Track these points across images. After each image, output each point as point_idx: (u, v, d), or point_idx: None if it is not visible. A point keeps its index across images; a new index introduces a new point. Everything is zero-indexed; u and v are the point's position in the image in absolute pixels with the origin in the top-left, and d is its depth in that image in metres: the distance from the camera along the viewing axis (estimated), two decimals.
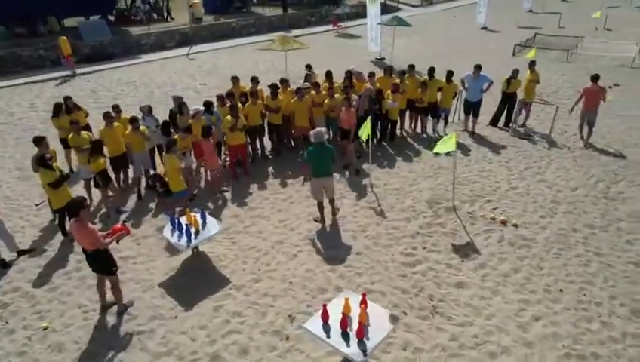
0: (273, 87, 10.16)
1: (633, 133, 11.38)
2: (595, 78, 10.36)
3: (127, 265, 7.09)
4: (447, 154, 8.74)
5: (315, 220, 8.07)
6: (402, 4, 35.71)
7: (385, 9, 33.92)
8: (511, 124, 11.69)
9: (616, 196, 8.49)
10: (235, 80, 10.88)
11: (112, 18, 24.18)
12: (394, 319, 4.98)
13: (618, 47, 20.34)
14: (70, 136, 8.50)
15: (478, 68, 10.91)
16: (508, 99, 11.55)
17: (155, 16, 24.46)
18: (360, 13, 30.86)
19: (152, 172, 9.45)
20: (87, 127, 10.24)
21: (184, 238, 6.58)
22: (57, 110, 9.68)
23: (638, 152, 10.30)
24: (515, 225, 7.64)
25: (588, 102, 10.43)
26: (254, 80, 10.73)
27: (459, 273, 6.65)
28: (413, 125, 11.62)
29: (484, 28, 27.46)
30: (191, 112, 9.38)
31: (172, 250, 7.11)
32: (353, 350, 4.56)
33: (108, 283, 6.06)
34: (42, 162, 7.27)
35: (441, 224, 7.80)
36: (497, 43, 22.86)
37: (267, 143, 10.81)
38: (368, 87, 10.38)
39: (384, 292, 6.31)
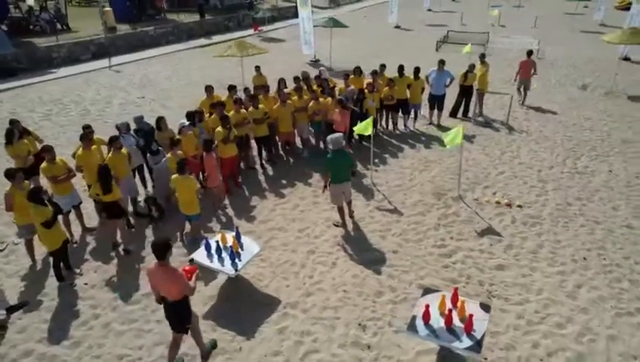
0: (253, 96, 9.75)
1: (563, 116, 12.96)
2: (529, 53, 13.35)
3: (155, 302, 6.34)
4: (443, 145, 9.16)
5: (335, 225, 7.96)
6: (314, 7, 36.27)
7: (296, 12, 34.46)
8: (470, 114, 12.63)
9: (585, 170, 9.63)
10: (209, 89, 10.22)
11: (4, 28, 21.12)
12: (486, 307, 5.13)
13: (521, 41, 22.93)
14: (44, 165, 7.32)
15: (442, 63, 11.60)
16: (465, 92, 12.43)
17: (58, 26, 21.90)
18: (277, 16, 30.89)
19: (140, 196, 8.57)
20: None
21: (228, 262, 6.08)
22: (10, 136, 8.32)
23: (579, 130, 11.77)
24: (520, 206, 8.30)
25: (523, 71, 13.22)
26: (232, 88, 10.23)
27: (493, 256, 7.05)
28: (385, 123, 11.95)
29: (398, 27, 29.11)
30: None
31: (205, 278, 6.53)
32: (468, 344, 4.62)
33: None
34: (36, 197, 6.20)
35: (455, 213, 8.18)
36: (416, 40, 24.40)
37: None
38: (350, 88, 10.48)
39: (437, 285, 6.45)
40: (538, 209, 8.22)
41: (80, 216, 7.99)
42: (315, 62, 20.22)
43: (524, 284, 6.44)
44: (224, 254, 6.19)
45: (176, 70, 18.92)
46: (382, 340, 5.61)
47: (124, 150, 7.96)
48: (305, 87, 10.55)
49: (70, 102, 14.87)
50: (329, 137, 7.52)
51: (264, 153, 10.31)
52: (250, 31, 27.28)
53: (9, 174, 6.69)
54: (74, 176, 7.71)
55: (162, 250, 4.62)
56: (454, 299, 5.09)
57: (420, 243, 7.40)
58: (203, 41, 24.53)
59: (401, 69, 11.33)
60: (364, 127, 8.65)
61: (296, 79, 10.90)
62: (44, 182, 8.42)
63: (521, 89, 13.59)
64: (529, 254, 7.07)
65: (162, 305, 5.00)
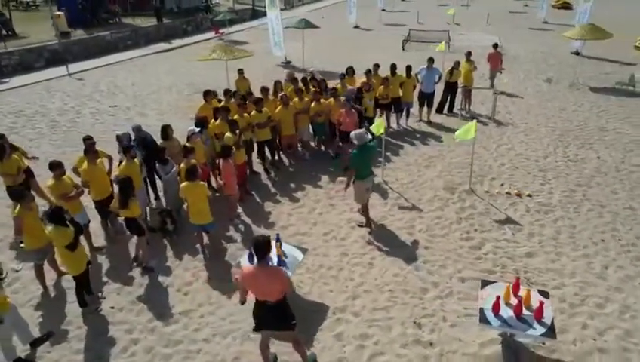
0: (256, 99, 9.49)
1: (539, 108, 13.72)
2: (495, 46, 14.79)
3: (195, 319, 6.02)
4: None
5: (359, 226, 7.92)
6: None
7: (254, 14, 34.10)
8: (455, 110, 13.04)
9: (576, 158, 10.23)
10: (209, 94, 9.80)
11: None
12: (545, 294, 5.30)
13: (480, 38, 23.97)
14: (52, 183, 6.73)
15: (431, 61, 11.88)
16: (450, 88, 12.82)
17: (3, 32, 20.23)
18: (235, 19, 30.31)
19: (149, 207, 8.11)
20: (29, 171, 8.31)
21: None
22: (0, 153, 7.56)
23: (558, 121, 12.49)
24: (529, 195, 8.67)
25: (492, 62, 14.60)
26: (228, 93, 9.95)
27: (519, 245, 7.31)
28: None
29: (357, 27, 29.51)
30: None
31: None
32: (542, 331, 4.76)
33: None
34: (58, 218, 5.68)
35: (472, 206, 8.40)
36: (380, 40, 24.84)
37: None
38: (350, 88, 10.48)
39: (477, 278, 6.57)
40: (546, 197, 8.62)
41: (88, 236, 7.42)
42: (287, 64, 20.06)
43: (556, 269, 6.73)
44: (270, 263, 5.95)
45: (144, 76, 18.08)
46: (441, 336, 5.65)
47: (136, 160, 7.51)
48: (304, 89, 10.41)
49: (35, 113, 13.78)
50: (353, 133, 7.49)
51: (267, 157, 10.06)
52: (211, 34, 26.63)
53: (17, 195, 6.08)
54: (82, 193, 7.16)
55: (265, 250, 4.38)
56: (517, 289, 5.22)
57: (447, 238, 7.53)
58: (163, 45, 23.63)
59: (393, 67, 11.48)
60: (378, 127, 8.69)
61: (294, 80, 10.76)
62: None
63: (492, 78, 14.96)
64: (551, 240, 7.39)
65: (256, 313, 4.76)
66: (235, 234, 7.86)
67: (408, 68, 11.64)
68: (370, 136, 7.59)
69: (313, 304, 6.22)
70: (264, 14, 34.82)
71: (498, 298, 4.99)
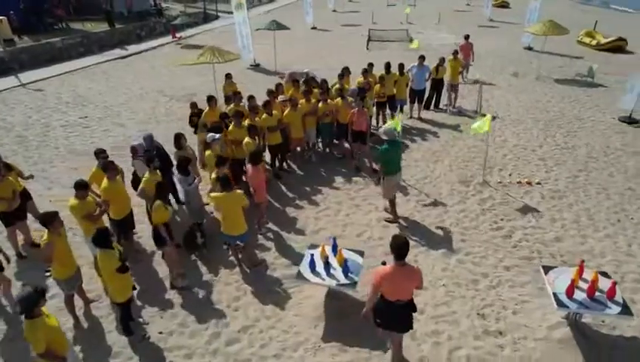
0: (265, 102, 9.22)
1: (516, 100, 14.47)
2: (467, 37, 15.70)
3: (256, 335, 5.74)
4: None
5: (387, 221, 7.98)
6: (220, 11, 35.18)
7: (206, 17, 33.16)
8: (442, 106, 13.44)
9: (567, 146, 10.90)
10: (211, 100, 9.37)
11: None
12: (605, 274, 5.58)
13: (438, 37, 24.87)
14: (75, 203, 6.14)
15: (422, 59, 12.15)
16: (436, 85, 13.18)
17: None
18: (190, 22, 29.31)
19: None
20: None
21: (341, 275, 5.73)
22: None
23: (538, 112, 13.24)
24: (539, 183, 9.11)
25: (464, 53, 14.93)
26: (237, 95, 9.58)
27: (546, 230, 7.66)
28: (376, 119, 12.14)
29: (314, 28, 29.56)
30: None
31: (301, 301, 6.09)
32: (619, 310, 5.01)
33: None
34: (105, 241, 5.18)
35: (491, 197, 8.68)
36: (342, 40, 25.04)
37: None
38: (353, 88, 10.47)
39: (520, 266, 6.84)
40: (555, 184, 9.10)
41: None
42: (256, 67, 19.70)
43: (587, 251, 7.12)
44: (332, 269, 5.81)
45: (110, 85, 16.99)
46: (507, 324, 5.79)
47: (158, 172, 7.04)
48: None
49: None
50: (382, 128, 7.58)
51: (277, 162, 9.80)
52: (167, 39, 25.54)
53: (46, 219, 5.46)
54: (106, 211, 6.60)
55: (406, 249, 4.46)
56: (582, 271, 5.45)
57: (478, 229, 7.73)
58: (119, 51, 22.31)
59: (388, 66, 11.60)
60: (395, 125, 8.74)
61: (295, 82, 10.59)
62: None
63: (465, 69, 15.61)
64: (573, 224, 7.82)
65: (383, 312, 4.70)
66: (266, 242, 7.59)
67: (401, 66, 11.82)
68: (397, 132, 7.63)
69: None
70: (216, 18, 34.39)
71: (573, 281, 5.18)
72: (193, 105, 10.10)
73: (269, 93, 9.74)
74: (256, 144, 8.17)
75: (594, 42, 21.88)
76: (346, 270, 5.74)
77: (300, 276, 5.79)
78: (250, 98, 9.64)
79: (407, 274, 4.52)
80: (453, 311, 6.00)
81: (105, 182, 6.56)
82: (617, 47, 21.31)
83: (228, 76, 12.20)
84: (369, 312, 4.81)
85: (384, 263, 5.39)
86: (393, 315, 4.67)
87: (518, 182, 9.15)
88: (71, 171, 10.29)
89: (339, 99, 9.84)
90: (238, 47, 19.15)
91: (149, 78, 17.86)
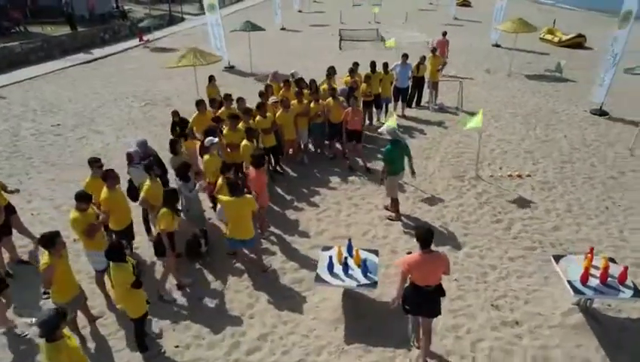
0: (259, 104, 9.08)
1: (492, 96, 14.92)
2: (444, 34, 16.21)
3: (277, 342, 5.63)
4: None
5: (390, 219, 8.04)
6: (185, 14, 34.44)
7: (171, 20, 32.35)
8: (424, 103, 13.67)
9: (548, 138, 11.31)
10: (201, 104, 9.11)
11: None
12: (613, 259, 5.82)
13: (410, 35, 25.26)
14: (77, 216, 5.79)
15: (405, 57, 12.30)
16: (417, 83, 13.38)
17: None
18: (157, 25, 28.51)
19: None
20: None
21: (360, 276, 5.71)
22: None
23: (515, 107, 13.68)
24: (529, 175, 9.41)
25: (440, 49, 15.12)
26: (228, 98, 9.36)
27: (542, 221, 7.91)
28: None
29: (284, 29, 29.40)
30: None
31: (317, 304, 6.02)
32: (631, 293, 5.24)
33: None
34: (119, 255, 4.93)
35: (486, 191, 8.89)
36: (314, 40, 25.05)
37: None
38: (342, 87, 10.47)
39: (525, 256, 7.03)
40: (543, 175, 9.43)
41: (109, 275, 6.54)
42: (230, 69, 19.38)
43: (584, 238, 7.41)
44: (351, 270, 5.77)
45: (78, 90, 16.30)
46: (521, 313, 5.93)
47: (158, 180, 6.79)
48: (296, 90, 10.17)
49: None
50: (384, 128, 7.62)
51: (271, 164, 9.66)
52: (134, 42, 24.75)
53: (47, 241, 5.08)
54: (106, 221, 6.29)
55: (431, 237, 4.73)
56: (592, 258, 5.66)
57: (479, 223, 7.90)
58: (84, 56, 21.44)
59: (373, 65, 11.66)
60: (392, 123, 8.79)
61: (286, 82, 10.49)
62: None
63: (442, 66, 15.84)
64: (566, 213, 8.12)
65: (412, 299, 4.90)
66: (272, 247, 7.46)
67: (385, 65, 11.93)
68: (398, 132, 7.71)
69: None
70: (181, 20, 33.61)
71: (587, 269, 5.37)
72: (175, 114, 9.31)
73: (261, 94, 9.59)
74: (255, 147, 8.01)
75: (555, 39, 22.85)
76: (364, 270, 5.71)
77: (319, 279, 5.72)
78: (240, 100, 9.47)
79: (435, 260, 4.76)
80: (468, 305, 6.09)
81: (105, 191, 6.25)
82: (577, 43, 22.35)
83: (211, 79, 11.95)
84: (398, 299, 4.94)
85: (409, 253, 5.55)
86: (423, 300, 4.87)
87: (509, 175, 9.42)
88: (49, 182, 9.82)
89: (330, 99, 9.80)
90: (211, 49, 18.77)
91: (119, 83, 17.24)
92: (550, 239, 7.41)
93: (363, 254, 5.99)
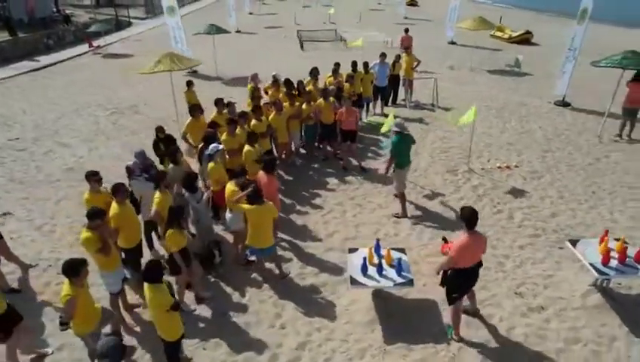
0: (255, 107, 8.84)
1: (462, 91, 15.46)
2: (407, 30, 17.66)
3: (316, 350, 5.50)
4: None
5: (396, 216, 8.13)
6: (132, 18, 32.91)
7: (118, 25, 30.80)
8: (400, 101, 13.92)
9: (525, 130, 11.87)
10: (196, 110, 8.73)
11: None
12: (624, 241, 6.18)
13: (368, 34, 25.57)
14: (88, 235, 5.34)
15: (383, 56, 12.46)
16: (393, 80, 13.60)
17: None
18: (107, 30, 27.02)
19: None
20: None
21: (394, 275, 5.70)
22: None
23: (486, 101, 14.25)
24: (517, 166, 9.82)
25: (403, 44, 16.53)
26: (220, 102, 9.02)
27: (540, 209, 8.29)
28: None
29: (239, 31, 28.87)
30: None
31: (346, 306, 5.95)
32: None
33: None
34: (158, 277, 4.59)
35: (481, 183, 9.18)
36: (272, 42, 24.77)
37: None
38: (331, 88, 10.41)
39: (532, 243, 7.33)
40: (529, 165, 9.88)
41: (124, 295, 6.11)
42: (194, 73, 18.73)
43: (581, 223, 7.84)
44: (385, 270, 5.74)
45: (32, 100, 15.14)
46: (544, 298, 6.17)
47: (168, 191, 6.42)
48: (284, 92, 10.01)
49: None
50: (395, 121, 7.75)
51: None
52: (82, 48, 23.30)
53: (72, 269, 4.63)
54: (117, 237, 5.87)
55: (476, 218, 4.97)
56: (604, 237, 5.99)
57: (481, 215, 7.85)
58: (29, 64, 19.92)
59: (354, 65, 11.71)
60: (386, 125, 8.89)
61: (275, 83, 10.31)
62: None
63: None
64: (559, 200, 8.55)
65: (461, 282, 5.23)
66: (285, 253, 7.28)
67: (366, 64, 12.00)
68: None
69: (420, 301, 6.17)
70: (128, 24, 32.07)
71: (608, 251, 5.67)
72: (160, 130, 8.32)
73: (254, 97, 9.33)
74: (258, 151, 7.79)
75: (505, 36, 24.08)
76: (399, 269, 5.71)
77: (355, 282, 5.63)
78: (230, 105, 9.18)
79: (479, 240, 5.07)
80: (493, 294, 6.26)
81: (115, 207, 5.82)
82: (525, 39, 23.67)
83: (189, 84, 11.49)
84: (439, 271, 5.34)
85: (445, 239, 5.74)
86: (469, 280, 5.24)
87: (498, 167, 9.78)
88: (23, 202, 9.06)
89: (321, 99, 9.72)
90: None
91: (77, 92, 16.20)
92: (551, 225, 7.77)
93: (394, 254, 5.97)
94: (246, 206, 6.13)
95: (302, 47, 23.14)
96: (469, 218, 4.93)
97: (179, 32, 18.33)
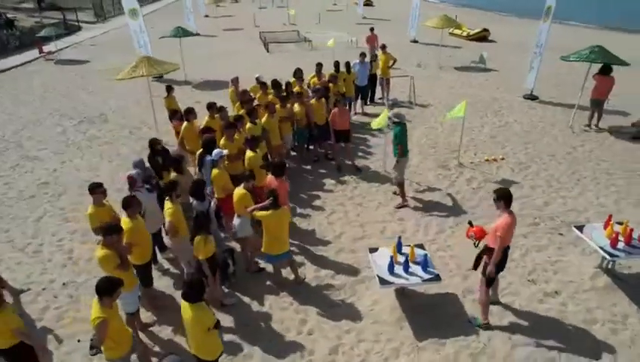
0: (250, 110, 8.64)
1: (434, 88, 15.86)
2: (372, 29, 17.95)
3: (349, 353, 5.44)
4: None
5: (399, 207, 8.34)
6: (81, 22, 31.28)
7: (67, 29, 29.19)
8: (379, 100, 14.08)
9: (502, 123, 12.35)
10: (190, 113, 8.43)
11: None
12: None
13: (332, 35, 25.64)
14: (106, 253, 5.02)
15: (363, 56, 12.56)
16: (371, 80, 13.73)
17: None
18: (58, 35, 25.48)
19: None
20: None
21: (421, 272, 5.74)
22: None
23: (460, 97, 14.67)
24: (503, 158, 10.18)
25: (370, 43, 17.27)
26: (213, 107, 8.74)
27: (533, 198, 8.64)
28: None
29: (198, 34, 28.13)
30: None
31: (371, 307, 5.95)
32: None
33: None
34: (200, 295, 4.33)
35: (473, 177, 9.44)
36: (235, 45, 24.33)
37: None
38: (316, 87, 10.35)
39: (533, 232, 7.61)
40: (516, 157, 10.27)
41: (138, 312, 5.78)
42: (160, 78, 18.05)
43: (573, 209, 8.24)
44: (411, 268, 5.76)
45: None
46: (555, 283, 6.44)
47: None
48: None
49: None
50: (393, 112, 8.06)
51: None
52: (31, 54, 21.88)
53: (107, 289, 4.28)
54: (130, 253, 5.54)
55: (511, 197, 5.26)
56: (608, 221, 6.34)
57: (480, 207, 8.37)
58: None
59: (337, 65, 11.72)
60: (379, 122, 8.96)
61: (263, 85, 10.11)
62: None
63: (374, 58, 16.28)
64: (549, 188, 8.95)
65: (501, 263, 5.38)
66: (296, 257, 7.14)
67: (347, 64, 12.04)
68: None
69: (444, 295, 6.25)
70: (78, 29, 30.44)
71: (617, 234, 5.99)
72: (155, 142, 7.63)
73: (247, 101, 9.10)
74: (262, 156, 7.61)
75: (464, 33, 24.93)
76: (424, 265, 5.75)
77: (384, 282, 5.61)
78: (221, 109, 8.92)
79: (515, 218, 5.28)
80: (509, 283, 6.44)
81: (127, 221, 5.48)
82: (483, 36, 24.64)
83: (169, 90, 11.04)
84: (492, 269, 5.33)
85: (470, 223, 5.84)
86: (506, 258, 5.43)
87: (486, 160, 10.10)
88: None
89: (314, 100, 9.65)
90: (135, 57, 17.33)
91: (36, 101, 15.25)
92: (546, 213, 8.12)
93: (417, 250, 6.02)
94: (263, 213, 5.97)
95: (267, 48, 22.89)
96: (508, 196, 5.23)
97: (142, 35, 17.59)
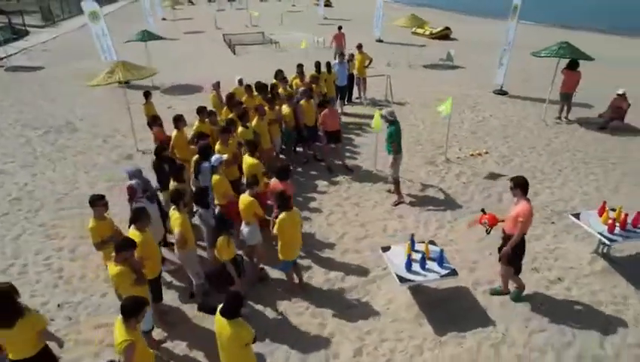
0: (241, 114, 8.45)
1: (406, 87, 16.14)
2: (339, 28, 18.35)
3: (373, 353, 5.43)
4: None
5: (396, 204, 8.45)
6: (29, 26, 29.53)
7: (15, 33, 27.49)
8: (357, 99, 14.17)
9: (479, 118, 12.74)
10: (180, 120, 8.09)
11: None
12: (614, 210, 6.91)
13: (298, 35, 25.59)
14: (120, 270, 4.74)
15: (342, 56, 12.60)
16: (349, 79, 13.78)
17: None
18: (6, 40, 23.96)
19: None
20: None
21: (438, 268, 5.82)
22: None
23: (434, 94, 15.02)
24: (487, 152, 10.49)
25: (337, 42, 17.78)
26: (204, 111, 8.46)
27: None
28: None
29: (164, 38, 27.25)
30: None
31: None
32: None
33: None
34: (237, 310, 4.16)
35: (461, 171, 9.66)
36: (199, 47, 23.80)
37: None
38: (303, 89, 10.27)
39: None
40: (498, 150, 10.62)
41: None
42: (126, 84, 17.31)
43: (560, 198, 8.62)
44: (427, 264, 5.81)
45: None
46: (558, 270, 6.70)
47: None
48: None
49: None
50: (386, 110, 8.14)
51: None
52: None
53: (133, 310, 4.01)
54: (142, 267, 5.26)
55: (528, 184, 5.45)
56: (602, 210, 6.66)
57: (474, 201, 8.58)
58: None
59: (318, 65, 11.68)
60: (376, 123, 9.02)
61: (248, 88, 9.89)
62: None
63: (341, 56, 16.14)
64: (533, 180, 9.21)
65: (522, 250, 5.73)
66: (303, 261, 7.03)
67: (328, 64, 12.05)
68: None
69: (456, 288, 6.34)
70: (26, 33, 28.69)
71: (614, 220, 6.30)
72: (162, 148, 7.41)
73: (236, 104, 8.88)
74: (260, 163, 7.45)
75: (427, 32, 25.54)
76: (440, 261, 5.82)
77: (403, 280, 5.64)
78: (211, 114, 8.69)
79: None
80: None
81: (137, 235, 5.20)
82: (445, 35, 25.36)
83: (147, 95, 10.64)
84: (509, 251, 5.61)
85: (483, 210, 6.06)
86: (524, 244, 5.67)
87: (471, 155, 10.38)
88: None
89: (303, 101, 9.57)
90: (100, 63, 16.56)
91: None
92: (536, 203, 8.35)
93: (431, 247, 6.09)
94: (279, 217, 5.85)
95: (233, 51, 22.50)
96: (525, 184, 5.42)
97: (105, 39, 16.81)
